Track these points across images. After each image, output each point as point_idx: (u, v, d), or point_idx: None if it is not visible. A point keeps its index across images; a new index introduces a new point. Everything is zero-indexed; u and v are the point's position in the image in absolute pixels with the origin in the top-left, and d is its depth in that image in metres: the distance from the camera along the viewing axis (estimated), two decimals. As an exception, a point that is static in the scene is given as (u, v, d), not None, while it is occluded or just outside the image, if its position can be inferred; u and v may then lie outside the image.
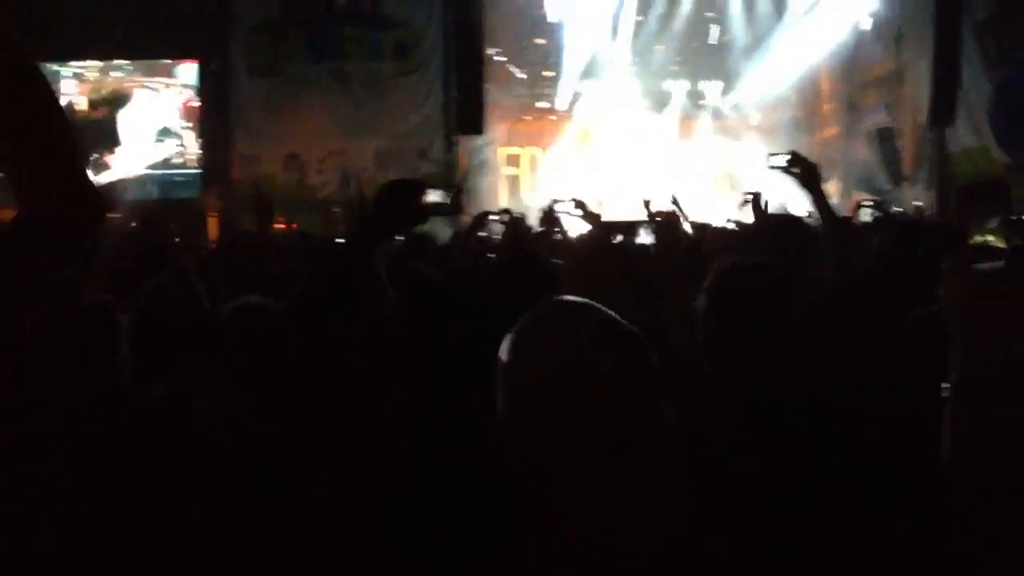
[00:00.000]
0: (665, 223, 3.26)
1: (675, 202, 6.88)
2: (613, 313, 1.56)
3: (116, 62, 17.13)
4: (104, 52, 16.89)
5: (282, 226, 14.52)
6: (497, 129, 19.45)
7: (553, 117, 22.19)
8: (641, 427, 1.48)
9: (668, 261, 2.95)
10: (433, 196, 2.48)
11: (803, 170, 3.75)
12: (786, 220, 4.39)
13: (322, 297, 2.42)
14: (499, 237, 8.09)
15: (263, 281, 5.01)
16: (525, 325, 1.55)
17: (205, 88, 16.88)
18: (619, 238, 3.39)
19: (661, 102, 21.51)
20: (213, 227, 15.78)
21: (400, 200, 2.48)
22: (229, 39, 16.57)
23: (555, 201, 5.73)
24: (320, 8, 16.77)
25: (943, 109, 16.84)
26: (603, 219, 4.52)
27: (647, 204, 5.78)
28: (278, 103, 16.78)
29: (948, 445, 2.29)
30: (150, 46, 16.60)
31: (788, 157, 3.78)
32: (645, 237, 3.30)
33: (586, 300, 1.59)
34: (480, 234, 7.13)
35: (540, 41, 20.50)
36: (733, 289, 2.87)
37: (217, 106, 16.74)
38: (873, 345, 3.55)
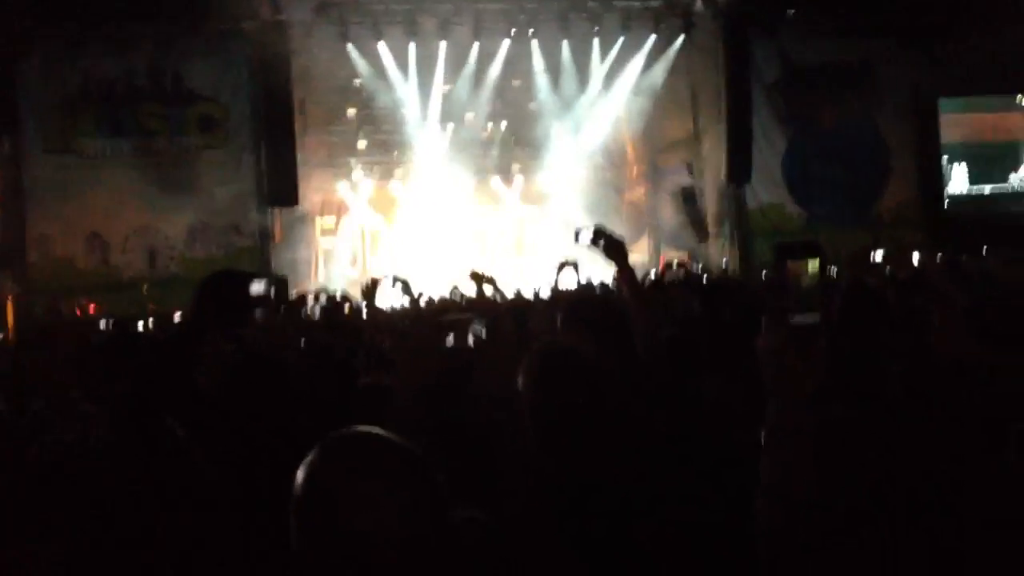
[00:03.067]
0: (492, 321, 3.27)
1: (473, 276, 6.94)
2: (396, 439, 1.59)
3: None
4: None
5: (86, 308, 13.88)
6: (312, 200, 19.25)
7: (369, 187, 22.19)
8: (428, 546, 1.52)
9: (496, 356, 2.96)
10: (257, 286, 2.35)
11: (608, 245, 3.83)
12: (591, 293, 4.46)
13: (148, 399, 2.31)
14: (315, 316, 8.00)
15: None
16: (314, 460, 1.57)
17: (-4, 169, 15.99)
18: (450, 338, 3.40)
19: (474, 168, 21.84)
20: (9, 313, 14.90)
21: (224, 295, 2.35)
22: (21, 118, 15.78)
23: (375, 279, 5.66)
24: (118, 84, 16.25)
25: (739, 168, 17.76)
26: (423, 307, 4.54)
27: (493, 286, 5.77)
28: (75, 181, 16.01)
29: (761, 496, 2.34)
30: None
31: (593, 232, 3.86)
32: (475, 333, 3.30)
33: (372, 429, 1.62)
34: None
35: (352, 111, 20.51)
36: (546, 370, 2.89)
37: (10, 187, 15.82)
38: (680, 410, 3.63)
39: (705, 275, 12.70)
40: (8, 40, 15.50)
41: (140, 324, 11.28)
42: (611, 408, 3.03)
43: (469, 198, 21.30)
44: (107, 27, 15.76)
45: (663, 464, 2.99)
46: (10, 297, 15.01)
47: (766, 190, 18.28)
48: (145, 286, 15.68)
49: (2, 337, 12.86)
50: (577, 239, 3.98)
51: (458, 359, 3.53)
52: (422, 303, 7.59)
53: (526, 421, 2.85)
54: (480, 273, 6.43)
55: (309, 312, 8.07)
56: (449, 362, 3.62)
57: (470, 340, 3.42)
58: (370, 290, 5.53)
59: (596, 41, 18.75)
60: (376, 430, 1.61)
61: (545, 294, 9.74)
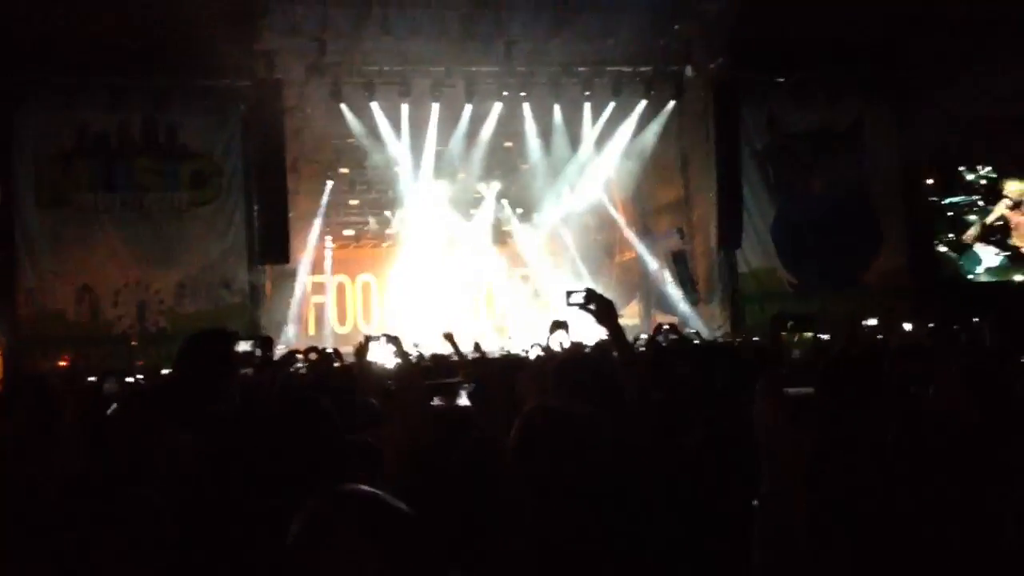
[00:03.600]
0: (480, 387, 3.27)
1: (448, 338, 6.97)
2: (393, 501, 1.59)
3: None
4: None
5: (65, 364, 13.75)
6: (303, 257, 19.27)
7: (360, 245, 22.29)
8: None
9: (486, 416, 2.98)
10: (243, 346, 2.35)
11: (598, 307, 3.84)
12: (582, 354, 4.46)
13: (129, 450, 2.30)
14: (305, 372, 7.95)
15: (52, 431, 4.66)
16: (307, 518, 1.57)
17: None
18: (440, 401, 3.41)
19: (466, 228, 21.96)
20: (-1, 365, 14.78)
21: (207, 353, 2.34)
22: (14, 169, 15.82)
23: (368, 337, 5.66)
24: (113, 138, 16.32)
25: (730, 232, 17.85)
26: (415, 364, 4.54)
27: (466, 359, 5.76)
28: (67, 234, 16.00)
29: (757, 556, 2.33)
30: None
31: (584, 294, 3.87)
32: (465, 399, 3.30)
33: (366, 489, 1.63)
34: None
35: (344, 170, 20.63)
36: (537, 432, 2.88)
37: (1, 238, 15.78)
38: (669, 472, 3.62)
39: (696, 339, 12.72)
40: (4, 91, 15.61)
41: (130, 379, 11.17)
42: (600, 464, 3.02)
43: (460, 257, 21.37)
44: (102, 80, 15.89)
45: (652, 508, 2.99)
46: (-1, 350, 14.91)
47: (756, 255, 18.34)
48: (133, 341, 15.60)
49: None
50: (568, 301, 4.00)
51: (447, 419, 3.52)
52: (414, 360, 7.55)
53: (518, 479, 2.83)
54: (451, 334, 6.43)
55: (298, 368, 8.03)
56: (438, 421, 3.61)
57: (461, 400, 3.41)
58: (362, 349, 5.52)
59: (587, 105, 18.95)
60: (369, 490, 1.61)
61: (535, 354, 9.72)
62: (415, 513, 1.59)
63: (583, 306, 3.91)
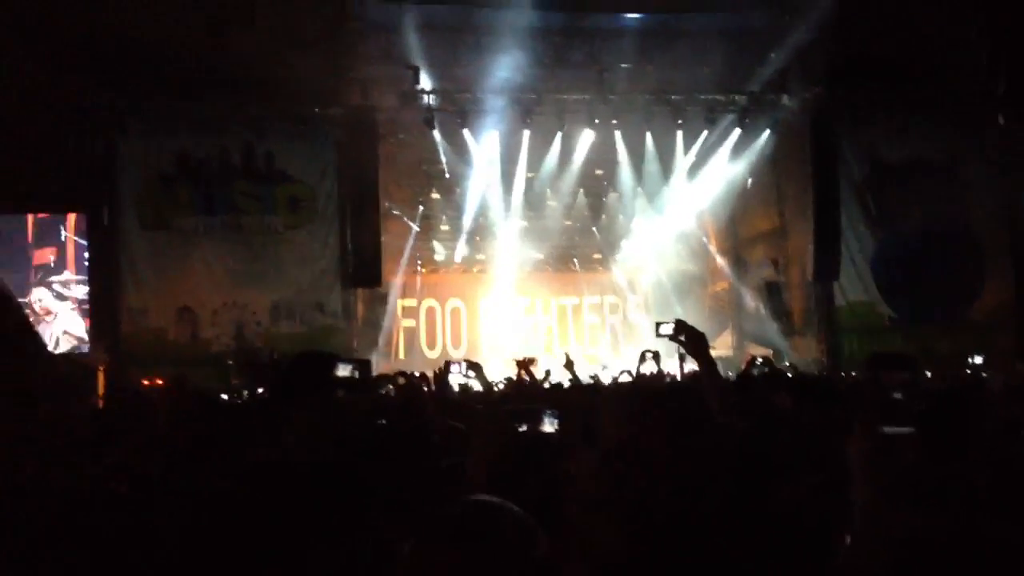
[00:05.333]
0: (565, 412, 3.24)
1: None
2: (515, 508, 1.61)
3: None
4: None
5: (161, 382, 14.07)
6: (394, 281, 19.51)
7: (450, 270, 22.46)
8: None
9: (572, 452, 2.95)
10: (343, 370, 2.40)
11: (688, 338, 3.77)
12: (671, 386, 4.38)
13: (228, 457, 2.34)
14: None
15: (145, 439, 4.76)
16: (432, 528, 1.59)
17: (94, 241, 16.53)
18: (524, 427, 3.38)
19: (555, 256, 21.97)
20: (100, 383, 15.21)
21: (311, 373, 2.39)
22: (119, 192, 16.39)
23: (449, 363, 5.68)
24: (213, 163, 16.82)
25: (827, 265, 17.47)
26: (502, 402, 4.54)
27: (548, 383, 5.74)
28: (169, 256, 16.52)
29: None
30: (35, 198, 16.29)
31: (674, 326, 3.80)
32: (548, 425, 3.26)
33: (495, 500, 1.65)
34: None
35: (436, 196, 20.84)
36: (614, 467, 2.84)
37: (106, 259, 16.37)
38: (757, 515, 3.51)
39: (790, 373, 12.44)
40: (109, 117, 16.18)
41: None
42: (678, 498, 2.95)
43: (550, 285, 21.38)
44: (203, 107, 16.39)
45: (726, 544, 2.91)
46: (101, 367, 15.35)
47: (855, 288, 17.88)
48: (231, 361, 15.90)
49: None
50: (658, 332, 3.95)
51: (531, 444, 3.49)
52: (497, 387, 7.54)
53: (592, 507, 2.79)
54: (523, 360, 6.39)
55: (387, 391, 8.07)
56: (521, 447, 3.58)
57: (546, 427, 3.38)
58: (442, 374, 5.54)
59: (680, 133, 18.75)
60: (491, 499, 1.65)
61: (623, 381, 9.62)
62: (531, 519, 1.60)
63: (673, 337, 3.85)
